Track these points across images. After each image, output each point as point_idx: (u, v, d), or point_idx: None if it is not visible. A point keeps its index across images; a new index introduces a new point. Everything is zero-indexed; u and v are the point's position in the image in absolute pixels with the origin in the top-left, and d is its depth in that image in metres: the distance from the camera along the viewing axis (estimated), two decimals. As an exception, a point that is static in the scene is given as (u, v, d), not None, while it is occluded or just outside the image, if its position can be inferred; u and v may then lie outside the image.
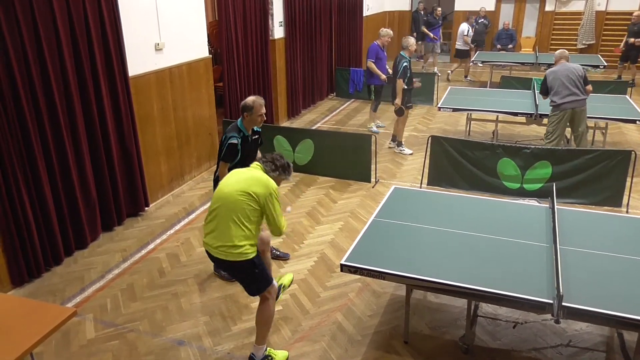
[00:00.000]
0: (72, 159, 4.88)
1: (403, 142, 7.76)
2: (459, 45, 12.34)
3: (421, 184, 6.29)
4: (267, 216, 3.32)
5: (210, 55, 7.09)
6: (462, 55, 12.23)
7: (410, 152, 7.63)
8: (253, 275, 3.38)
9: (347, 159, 6.64)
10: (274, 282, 3.52)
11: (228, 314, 4.11)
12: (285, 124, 9.21)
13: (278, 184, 3.43)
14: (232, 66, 7.53)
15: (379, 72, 8.12)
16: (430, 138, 6.18)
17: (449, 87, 8.99)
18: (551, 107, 6.54)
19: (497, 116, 7.77)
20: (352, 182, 6.62)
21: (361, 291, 4.39)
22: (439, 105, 7.82)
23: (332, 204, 6.08)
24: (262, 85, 8.30)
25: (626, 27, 11.55)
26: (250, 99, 4.21)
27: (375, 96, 8.53)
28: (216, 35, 7.60)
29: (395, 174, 6.93)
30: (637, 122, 6.91)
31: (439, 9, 13.40)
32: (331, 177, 6.77)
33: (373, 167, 6.56)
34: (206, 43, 6.94)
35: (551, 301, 2.99)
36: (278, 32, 8.76)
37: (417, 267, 3.36)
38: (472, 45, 12.26)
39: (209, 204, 6.12)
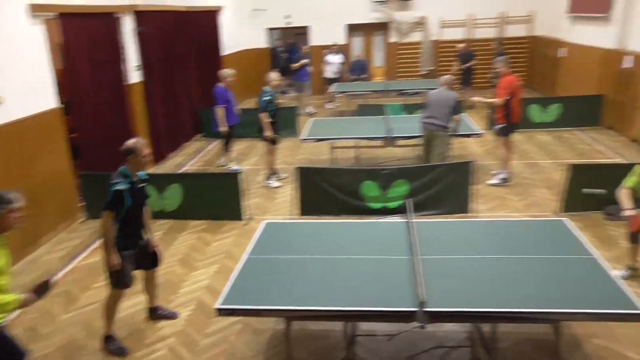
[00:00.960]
0: None
1: (271, 175, 7.88)
2: (327, 74, 13.18)
3: (292, 215, 6.43)
4: None
5: (62, 105, 6.64)
6: (330, 84, 12.93)
7: (278, 184, 7.78)
8: None
9: (217, 199, 6.57)
10: None
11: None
12: (151, 170, 8.87)
13: (10, 223, 3.13)
14: (86, 115, 7.12)
15: (223, 122, 8.25)
16: (296, 169, 6.37)
17: (311, 120, 9.38)
18: None
19: (356, 142, 8.27)
20: (224, 222, 6.55)
21: (241, 332, 4.33)
22: (302, 137, 8.12)
23: (205, 247, 5.95)
24: (121, 132, 7.93)
25: (457, 54, 13.11)
26: (131, 141, 4.04)
27: (225, 137, 8.57)
28: (66, 84, 7.14)
29: (268, 208, 7.00)
30: (472, 136, 7.90)
31: (305, 46, 13.87)
32: (203, 220, 6.63)
33: (244, 204, 6.57)
34: (54, 93, 6.49)
35: (415, 309, 3.23)
36: (134, 76, 8.51)
37: (292, 299, 3.42)
38: (338, 73, 13.13)
39: (71, 266, 5.67)
